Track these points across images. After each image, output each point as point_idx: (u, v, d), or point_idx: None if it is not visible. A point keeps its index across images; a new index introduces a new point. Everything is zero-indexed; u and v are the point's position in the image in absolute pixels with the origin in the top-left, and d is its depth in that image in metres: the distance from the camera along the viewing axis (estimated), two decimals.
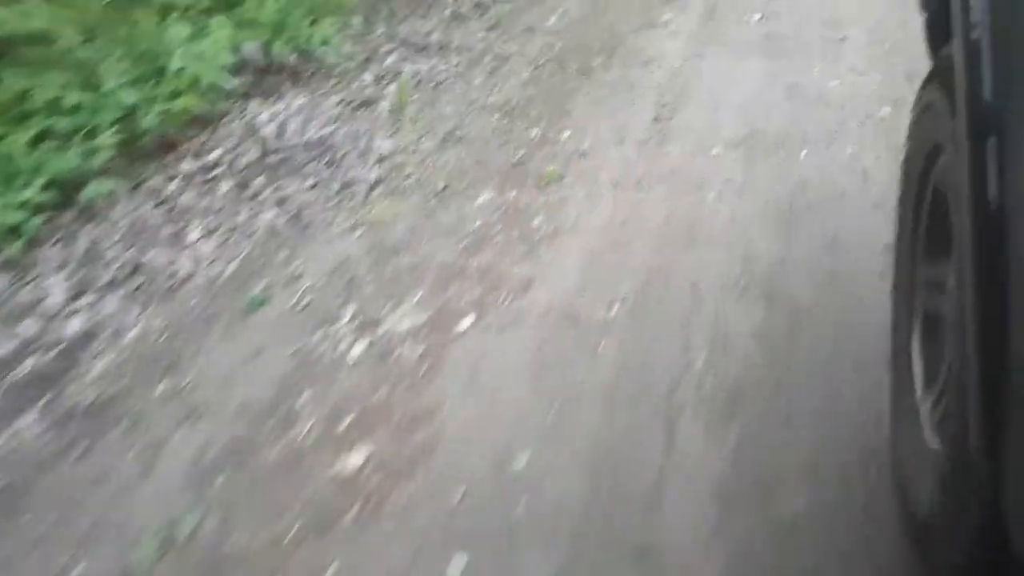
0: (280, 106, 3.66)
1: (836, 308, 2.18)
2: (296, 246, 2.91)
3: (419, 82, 4.15)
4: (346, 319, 2.43)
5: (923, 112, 1.69)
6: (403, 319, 2.38)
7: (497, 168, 3.21)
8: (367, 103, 3.98)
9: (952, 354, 1.40)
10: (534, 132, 3.43)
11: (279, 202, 3.15)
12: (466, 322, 2.32)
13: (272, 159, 3.30)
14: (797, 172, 2.79)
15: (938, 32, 1.70)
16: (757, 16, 4.22)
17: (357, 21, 4.77)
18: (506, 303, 2.38)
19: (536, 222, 2.80)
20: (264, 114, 3.56)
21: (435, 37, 4.61)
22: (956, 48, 1.31)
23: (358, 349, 2.29)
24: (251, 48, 4.05)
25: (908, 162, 1.82)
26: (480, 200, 3.00)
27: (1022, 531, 1.01)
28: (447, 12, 5.06)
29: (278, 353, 2.33)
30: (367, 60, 4.42)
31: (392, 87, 4.03)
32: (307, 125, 3.51)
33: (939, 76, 1.57)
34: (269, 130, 3.41)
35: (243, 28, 4.06)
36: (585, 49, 4.19)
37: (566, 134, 3.36)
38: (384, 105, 3.95)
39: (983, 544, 1.18)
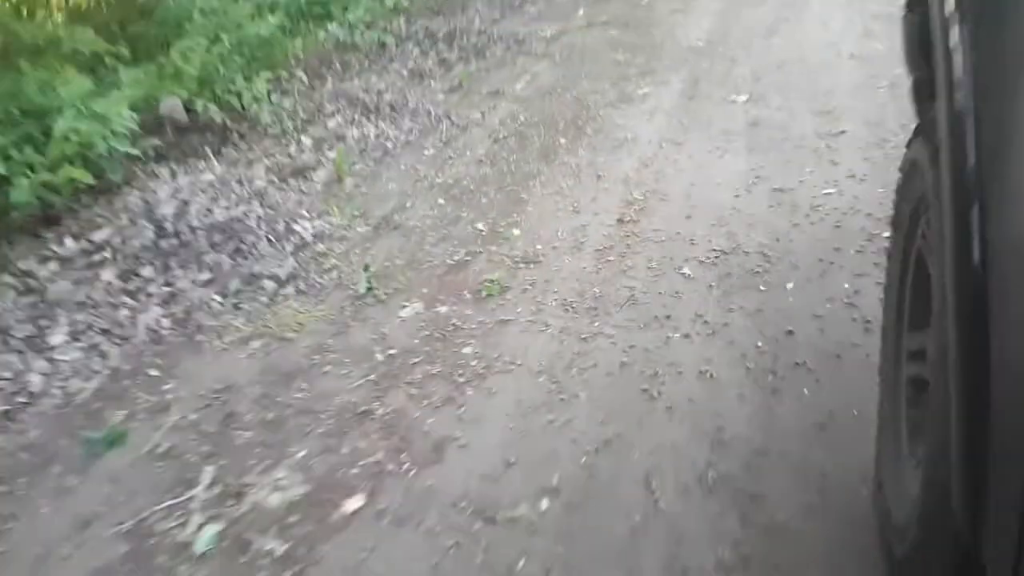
0: (188, 178, 3.15)
1: (828, 537, 1.64)
2: (175, 360, 2.39)
3: (363, 150, 3.67)
4: (205, 482, 1.91)
5: (909, 169, 1.70)
6: (275, 491, 1.86)
7: (432, 269, 2.72)
8: (299, 172, 3.49)
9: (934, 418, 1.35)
10: (481, 225, 2.95)
11: (167, 299, 2.63)
12: (353, 503, 1.80)
13: (167, 244, 2.79)
14: (782, 314, 2.27)
15: (924, 91, 1.74)
16: (743, 97, 3.77)
17: (302, 75, 4.30)
18: (409, 478, 1.87)
19: (466, 351, 2.30)
20: (166, 187, 3.04)
21: (389, 97, 4.14)
22: (939, 110, 1.30)
23: (209, 533, 1.77)
24: (170, 104, 3.56)
25: (895, 222, 1.84)
26: (405, 313, 2.51)
27: None
28: (407, 68, 4.60)
29: (109, 530, 1.81)
30: (307, 121, 3.93)
31: (332, 154, 3.55)
32: (217, 201, 3.00)
33: (924, 134, 1.59)
34: (169, 208, 2.89)
35: (165, 81, 3.58)
36: (551, 123, 3.73)
37: (516, 232, 2.88)
38: (319, 176, 3.46)
39: None
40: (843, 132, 3.32)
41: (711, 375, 2.09)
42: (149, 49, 3.74)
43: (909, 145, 1.74)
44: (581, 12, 5.39)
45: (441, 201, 3.17)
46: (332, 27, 4.89)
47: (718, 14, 5.04)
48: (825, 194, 2.87)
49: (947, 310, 1.17)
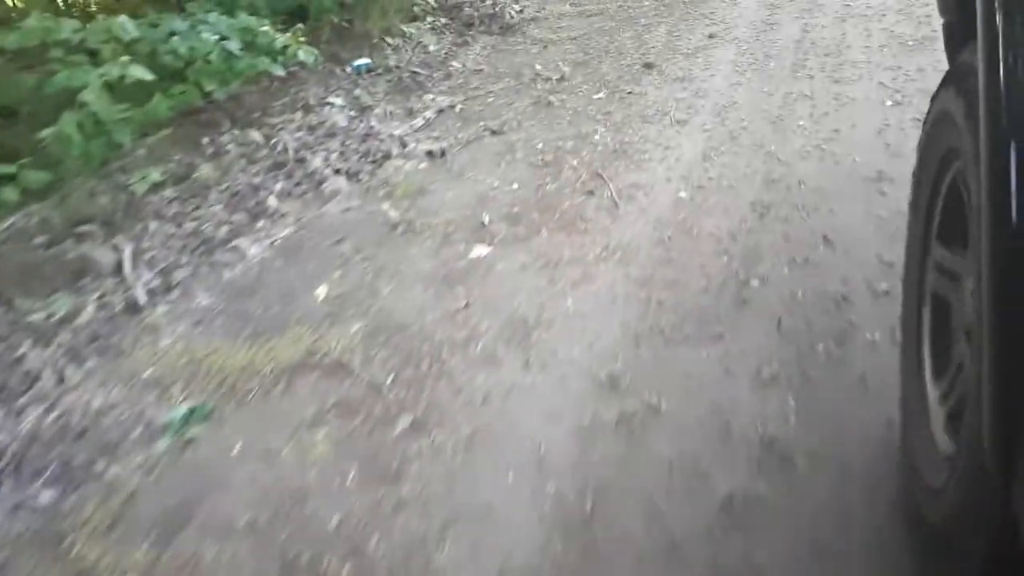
0: None
1: None
2: None
3: None
4: None
5: (937, 119, 1.64)
6: None
7: None
8: None
9: (966, 366, 1.40)
10: None
11: None
12: None
13: None
14: None
15: (956, 36, 1.70)
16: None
17: None
18: None
19: None
20: None
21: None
22: (979, 50, 1.24)
23: None
24: None
25: (919, 172, 1.79)
26: None
27: None
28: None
29: None
30: None
31: None
32: None
33: (956, 82, 1.53)
34: None
35: None
36: None
37: None
38: None
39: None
40: None
41: None
42: None
43: (937, 94, 1.66)
44: None
45: None
46: None
47: None
48: None
49: (982, 265, 1.14)
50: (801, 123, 3.52)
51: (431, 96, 4.53)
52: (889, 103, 3.60)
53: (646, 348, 2.30)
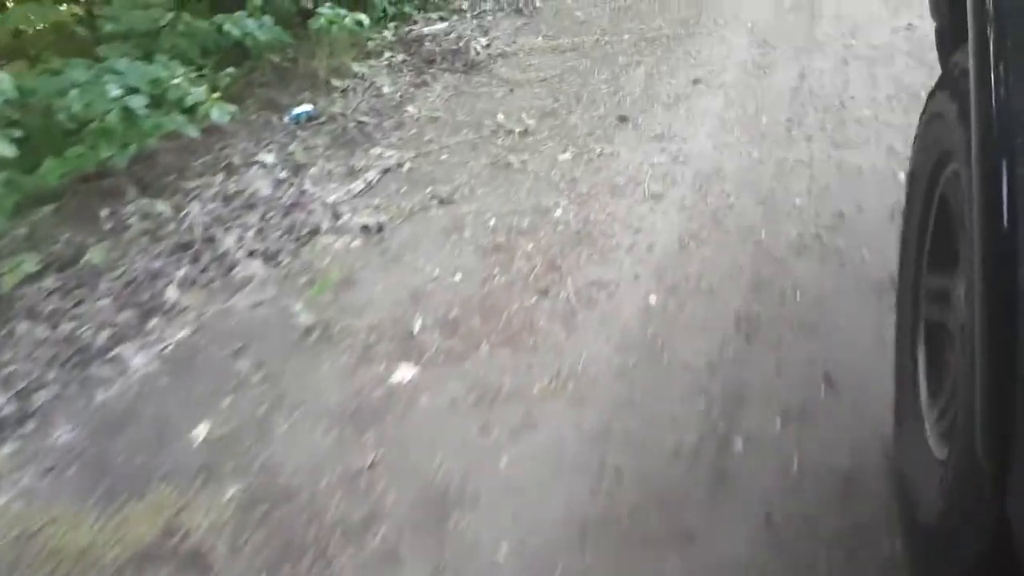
0: None
1: None
2: None
3: None
4: None
5: (931, 121, 1.66)
6: None
7: None
8: None
9: (959, 365, 1.39)
10: None
11: None
12: None
13: None
14: None
15: (948, 40, 1.74)
16: None
17: None
18: None
19: None
20: None
21: None
22: (971, 52, 1.25)
23: None
24: None
25: (914, 173, 1.82)
26: None
27: None
28: None
29: None
30: None
31: None
32: None
33: (949, 85, 1.55)
34: None
35: None
36: None
37: None
38: None
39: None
40: None
41: None
42: None
43: (931, 97, 1.67)
44: None
45: None
46: None
47: None
48: None
49: (975, 266, 1.13)
50: (798, 201, 2.98)
51: (378, 150, 3.99)
52: (902, 175, 3.06)
53: (594, 552, 1.74)
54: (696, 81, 4.20)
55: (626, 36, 5.04)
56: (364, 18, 4.18)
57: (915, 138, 1.78)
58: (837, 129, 3.49)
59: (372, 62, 4.89)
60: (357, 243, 3.18)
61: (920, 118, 1.75)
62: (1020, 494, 1.03)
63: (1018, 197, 1.06)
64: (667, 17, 5.32)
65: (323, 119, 4.25)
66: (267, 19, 4.21)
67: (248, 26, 4.12)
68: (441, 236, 3.12)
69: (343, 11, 4.14)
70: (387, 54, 5.06)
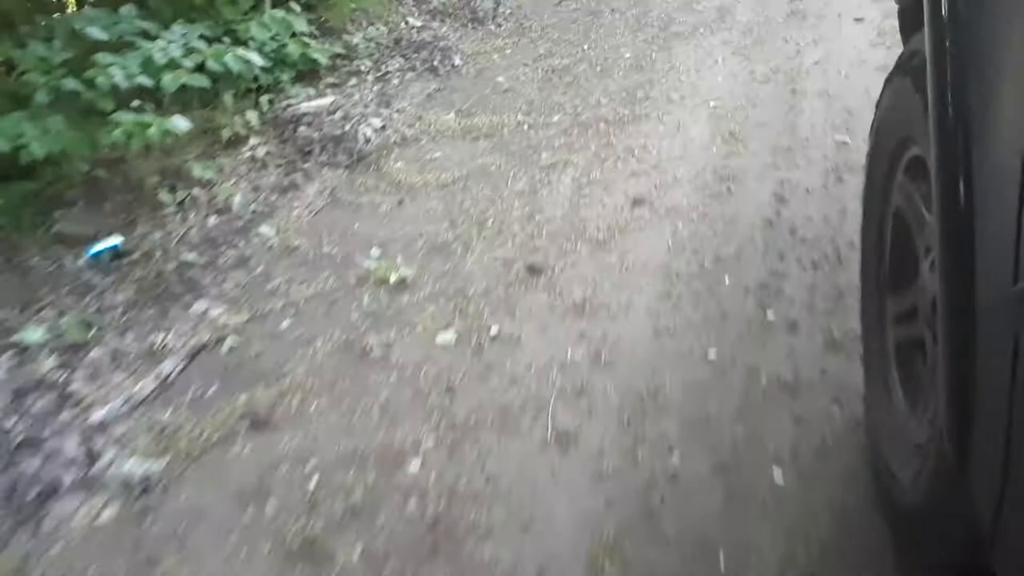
0: None
1: None
2: None
3: None
4: None
5: (891, 103, 1.67)
6: None
7: None
8: None
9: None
10: None
11: None
12: None
13: None
14: None
15: (910, 21, 1.71)
16: None
17: None
18: None
19: None
20: None
21: None
22: (927, 38, 1.25)
23: None
24: None
25: (872, 155, 1.83)
26: None
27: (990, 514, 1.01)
28: None
29: None
30: None
31: None
32: None
33: (910, 67, 1.55)
34: None
35: None
36: None
37: None
38: None
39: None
40: None
41: None
42: None
43: (890, 79, 1.70)
44: None
45: None
46: None
47: None
48: None
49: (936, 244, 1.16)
50: (779, 483, 1.89)
51: (202, 307, 2.88)
52: None
53: None
54: (637, 202, 3.11)
55: (555, 117, 3.93)
56: (182, 124, 3.04)
57: (875, 121, 1.80)
58: (833, 308, 2.41)
59: (225, 159, 3.75)
60: (108, 516, 2.07)
61: (879, 103, 1.78)
62: (981, 475, 1.04)
63: (973, 178, 1.08)
64: (609, 87, 4.22)
65: (135, 256, 3.13)
66: (56, 120, 3.09)
67: (25, 131, 2.99)
68: (231, 511, 2.01)
69: (148, 117, 2.99)
70: (251, 142, 3.93)
